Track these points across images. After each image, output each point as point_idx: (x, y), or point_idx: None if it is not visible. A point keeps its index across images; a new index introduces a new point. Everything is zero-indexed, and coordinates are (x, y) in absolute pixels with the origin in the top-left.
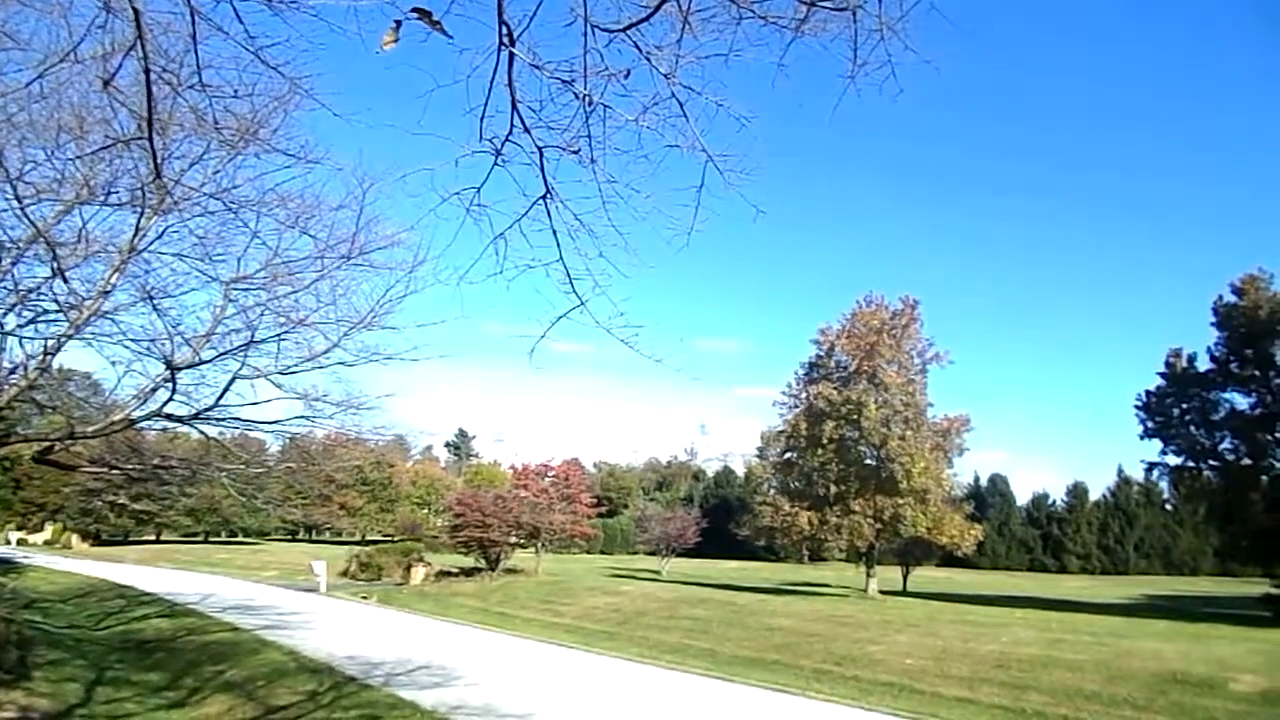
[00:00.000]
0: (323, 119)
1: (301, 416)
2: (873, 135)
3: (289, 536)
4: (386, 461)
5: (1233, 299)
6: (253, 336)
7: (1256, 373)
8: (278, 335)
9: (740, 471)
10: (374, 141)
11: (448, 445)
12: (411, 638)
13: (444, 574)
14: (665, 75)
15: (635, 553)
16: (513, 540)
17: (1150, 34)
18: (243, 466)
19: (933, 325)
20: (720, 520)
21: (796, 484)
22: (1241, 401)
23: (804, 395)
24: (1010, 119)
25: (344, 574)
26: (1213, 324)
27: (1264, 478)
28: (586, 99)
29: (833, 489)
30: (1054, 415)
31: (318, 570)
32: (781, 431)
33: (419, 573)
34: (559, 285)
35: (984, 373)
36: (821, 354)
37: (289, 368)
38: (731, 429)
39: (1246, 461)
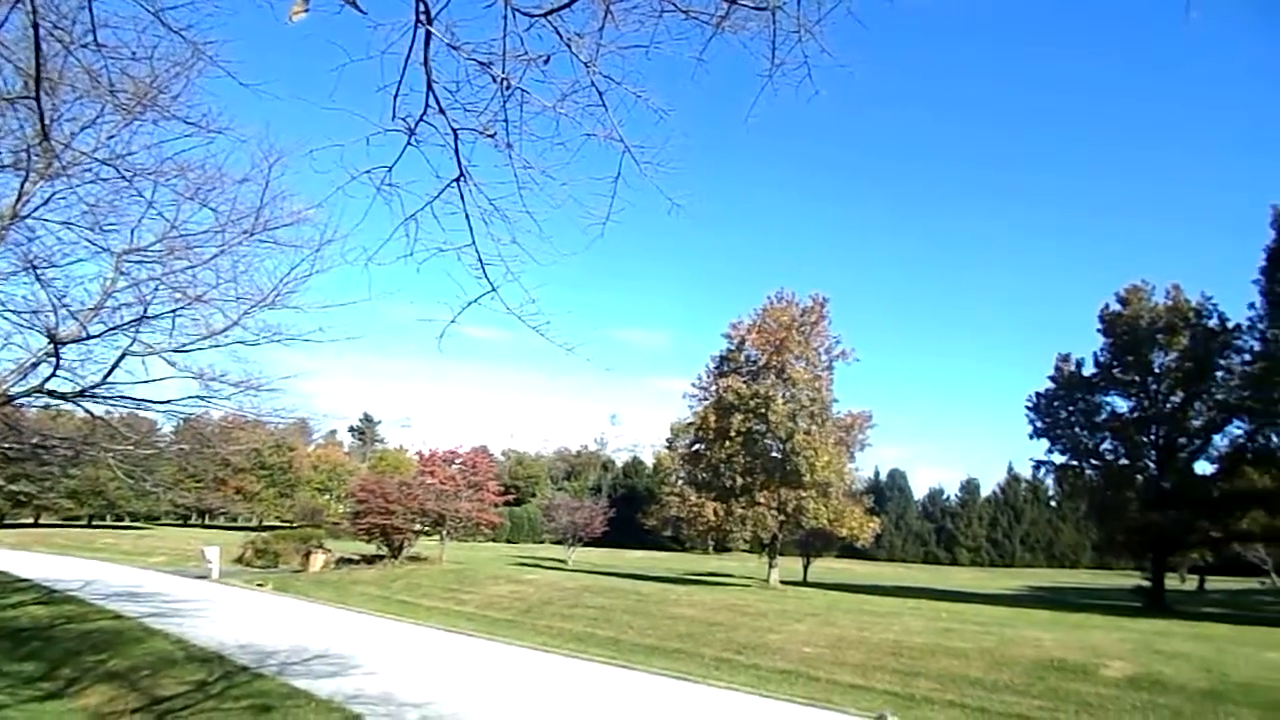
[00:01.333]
0: (228, 88)
1: (196, 396)
2: (790, 134)
3: (180, 521)
4: (287, 445)
5: (1118, 308)
6: (145, 311)
7: (1136, 378)
8: (173, 311)
9: (649, 462)
10: (282, 114)
11: (352, 430)
12: (309, 626)
13: (345, 561)
14: (585, 63)
15: (542, 542)
16: (417, 528)
17: (1057, 38)
18: (131, 448)
19: (841, 323)
20: (628, 510)
21: (704, 475)
22: (1122, 405)
23: (714, 388)
24: (921, 122)
25: (238, 561)
26: (1099, 331)
27: (1139, 477)
28: (504, 82)
29: (739, 481)
30: (956, 414)
31: (210, 556)
32: (691, 423)
33: (318, 560)
34: (471, 270)
35: (890, 371)
36: (732, 348)
37: (184, 345)
38: (643, 420)
39: (1124, 462)
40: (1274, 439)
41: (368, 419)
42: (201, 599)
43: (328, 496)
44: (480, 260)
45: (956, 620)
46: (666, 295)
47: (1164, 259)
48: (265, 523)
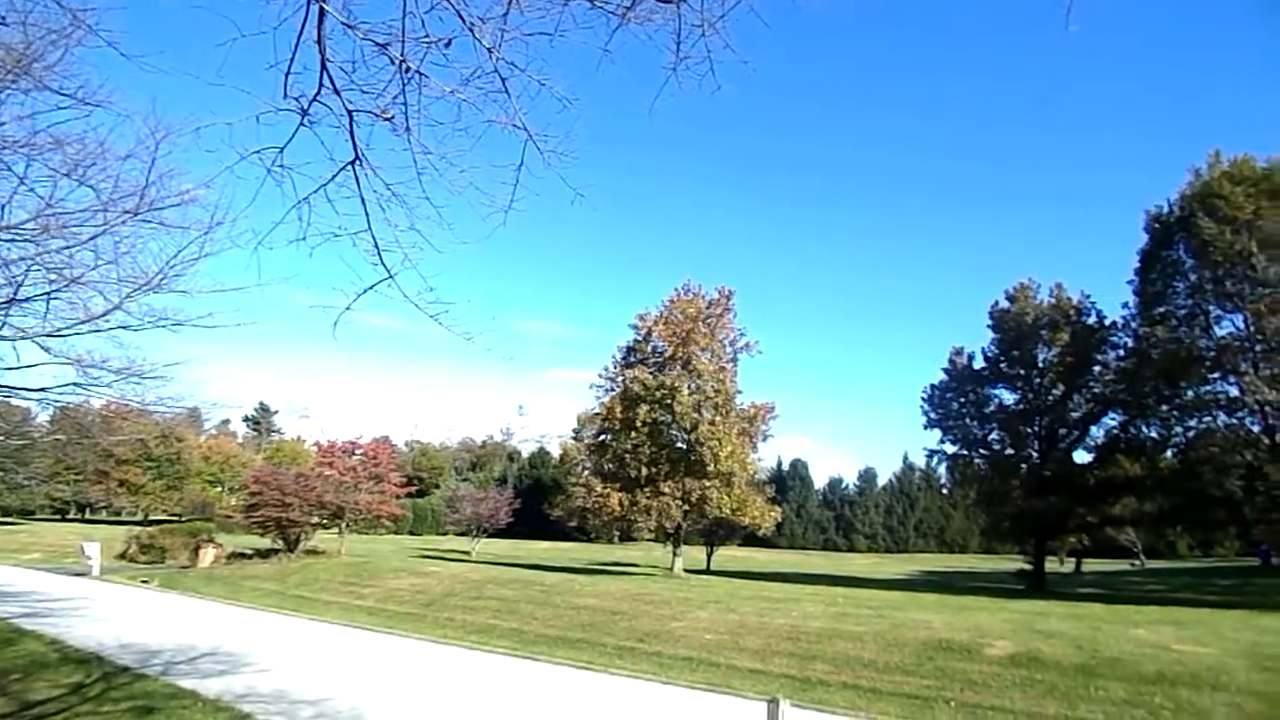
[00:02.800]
0: (110, 59)
1: (74, 384)
2: (695, 127)
3: (57, 516)
4: (175, 436)
5: (1006, 305)
6: (16, 293)
7: (1022, 372)
8: (47, 294)
9: (556, 453)
10: (169, 89)
11: (247, 420)
12: (197, 624)
13: (237, 556)
14: (488, 49)
15: (446, 533)
16: (315, 521)
17: (952, 41)
18: (2, 438)
19: (745, 315)
20: (534, 501)
21: (610, 466)
22: (1009, 397)
23: (620, 379)
24: (822, 117)
25: (122, 556)
26: (989, 327)
27: (1023, 466)
28: (403, 65)
29: (644, 471)
30: (856, 406)
31: (90, 552)
32: (597, 414)
33: (208, 554)
34: (367, 256)
35: (793, 364)
36: (639, 339)
37: (60, 330)
38: (549, 410)
39: (1010, 451)
40: (1144, 430)
41: (263, 409)
42: (80, 597)
43: (220, 489)
44: (377, 246)
45: (852, 605)
46: (573, 286)
47: (1053, 259)
48: (152, 517)
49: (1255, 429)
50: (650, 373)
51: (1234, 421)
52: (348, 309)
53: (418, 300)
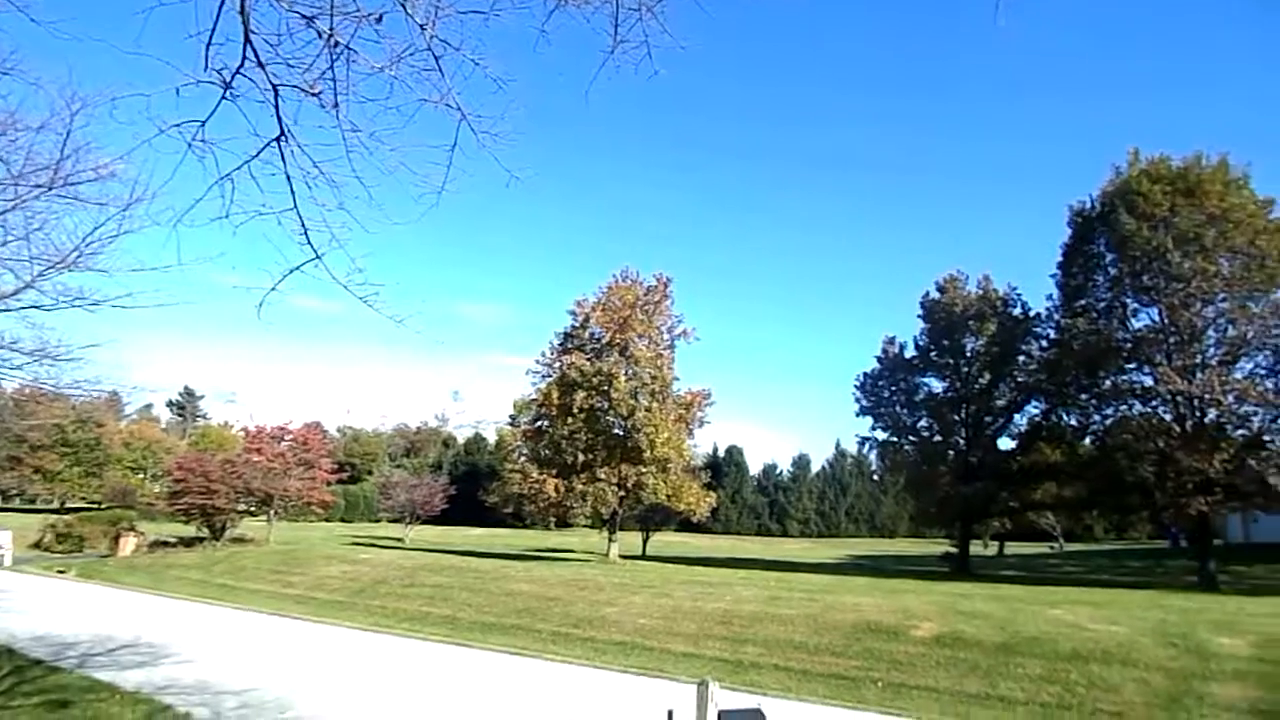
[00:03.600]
0: (19, 24)
1: None
2: (634, 111)
3: None
4: (94, 420)
5: (936, 295)
6: None
7: (950, 361)
8: None
9: (492, 439)
10: (85, 58)
11: (171, 405)
12: (117, 614)
13: (160, 544)
14: (421, 25)
15: (379, 520)
16: (241, 508)
17: (889, 36)
18: None
19: (684, 300)
20: (470, 487)
21: (546, 452)
22: (938, 385)
23: (558, 365)
24: (768, 107)
25: (36, 546)
26: (920, 316)
27: (951, 453)
28: (331, 39)
29: (581, 457)
30: (792, 393)
31: (2, 541)
32: (534, 400)
33: (129, 543)
34: (293, 236)
35: (730, 350)
36: (577, 325)
37: None
38: (486, 396)
39: (938, 438)
40: (1065, 418)
41: (189, 393)
42: None
43: (142, 476)
44: (303, 226)
45: (784, 589)
46: (510, 270)
47: (983, 250)
48: (69, 505)
49: (1167, 417)
50: (588, 359)
51: (1148, 410)
52: (273, 290)
53: (346, 282)
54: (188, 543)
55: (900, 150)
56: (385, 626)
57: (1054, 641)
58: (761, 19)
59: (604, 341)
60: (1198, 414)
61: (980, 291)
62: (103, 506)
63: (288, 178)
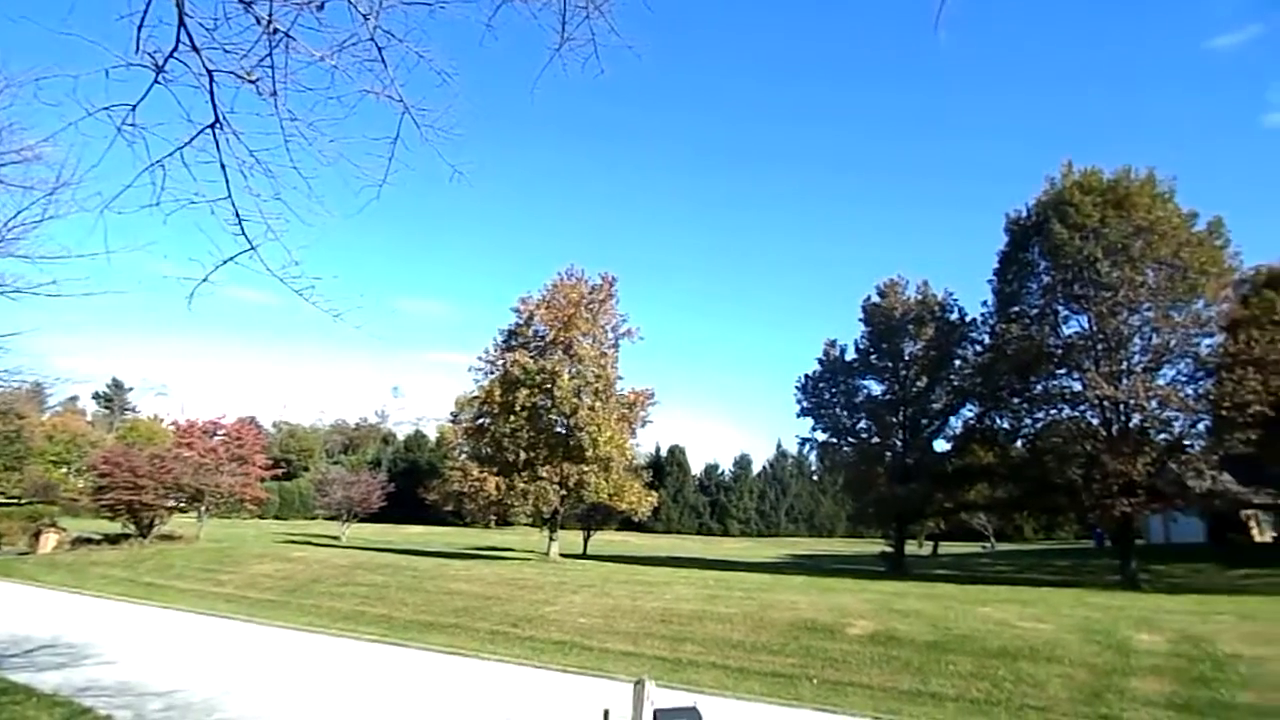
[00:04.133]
0: None
1: None
2: (581, 106)
3: None
4: (14, 412)
5: (877, 300)
6: None
7: (889, 364)
8: None
9: (433, 436)
10: (8, 36)
11: (97, 397)
12: (35, 613)
13: (83, 541)
14: (364, 15)
15: (315, 518)
16: (170, 504)
17: (828, 37)
18: None
19: (628, 299)
20: (409, 485)
21: (487, 449)
22: (877, 388)
23: (501, 362)
24: (710, 107)
25: None
26: (860, 320)
27: (888, 454)
28: (270, 25)
29: (522, 455)
30: (735, 393)
31: None
32: (476, 397)
33: (50, 540)
34: (227, 225)
35: (678, 348)
36: (521, 323)
37: None
38: (428, 393)
39: (876, 440)
40: (998, 421)
41: (117, 385)
42: None
43: (65, 470)
44: (238, 215)
45: (723, 588)
46: (453, 265)
47: (925, 255)
48: None
49: (1094, 421)
50: (531, 357)
51: (1076, 414)
52: (205, 281)
53: (282, 274)
54: (113, 540)
55: (852, 150)
56: (319, 626)
57: (984, 639)
58: (711, 15)
59: (548, 339)
60: (1123, 419)
61: (919, 296)
62: (22, 502)
63: (222, 166)
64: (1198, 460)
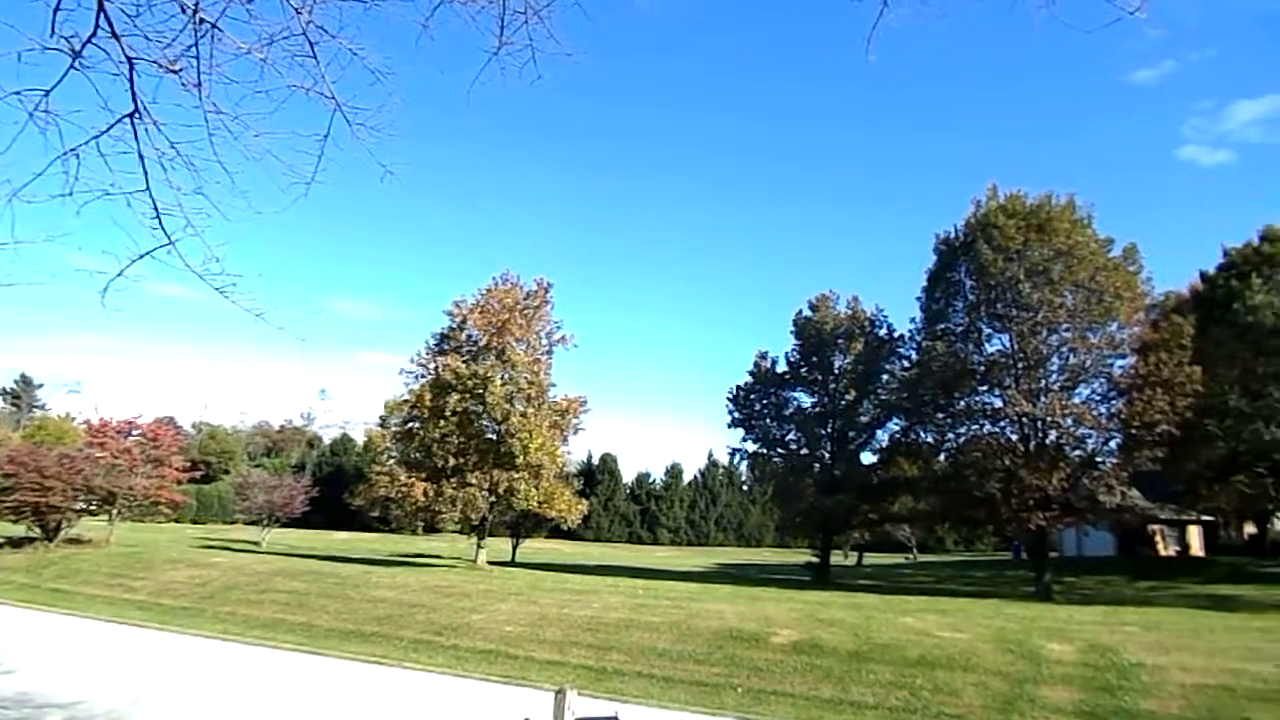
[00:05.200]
0: None
1: None
2: (519, 113)
3: None
4: None
5: (809, 314)
6: None
7: (819, 377)
8: None
9: (360, 440)
10: None
11: (4, 393)
12: None
13: None
14: (296, 10)
15: (234, 522)
16: (79, 506)
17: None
18: None
19: (563, 305)
20: (335, 490)
21: (416, 454)
22: (806, 400)
23: (432, 366)
24: (650, 114)
25: None
26: (792, 333)
27: (816, 465)
28: (196, 15)
29: (452, 461)
30: (667, 403)
31: None
32: (405, 401)
33: None
34: (144, 219)
35: (608, 359)
36: (454, 326)
37: None
38: (357, 395)
39: (805, 451)
40: (922, 435)
41: (25, 381)
42: None
43: None
44: (156, 209)
45: (651, 596)
46: (384, 266)
47: (861, 273)
48: None
49: (1013, 437)
50: (463, 361)
51: (996, 430)
52: (119, 275)
53: (202, 271)
54: (15, 543)
55: (792, 145)
56: (235, 634)
57: (903, 648)
58: (648, 28)
59: (481, 344)
60: (1040, 435)
61: (849, 312)
62: None
63: (141, 157)
64: (1109, 476)
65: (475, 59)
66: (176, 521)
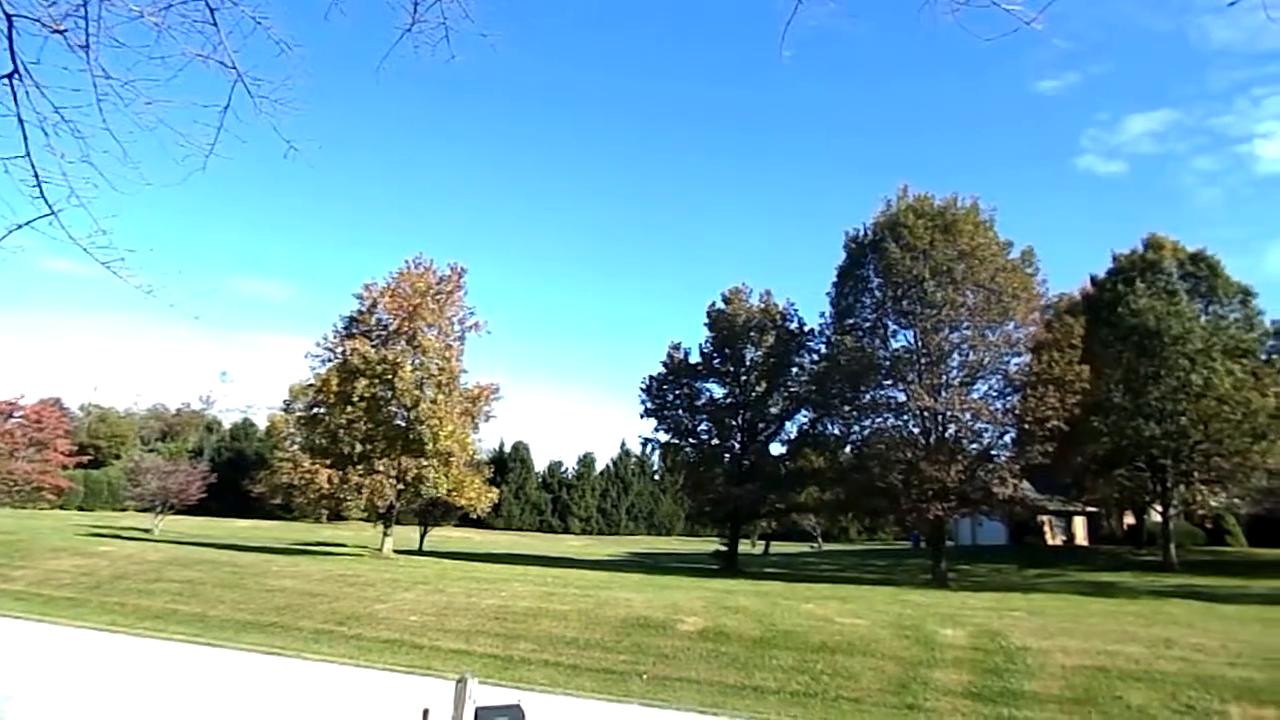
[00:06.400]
0: None
1: None
2: (431, 87)
3: None
4: None
5: (722, 306)
6: None
7: (731, 369)
8: None
9: (262, 425)
10: None
11: None
12: None
13: None
14: None
15: (125, 509)
16: None
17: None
18: None
19: (476, 294)
20: (234, 476)
21: (321, 440)
22: (718, 391)
23: (340, 350)
24: (571, 91)
25: None
26: (705, 325)
27: (727, 456)
28: None
29: (358, 447)
30: (581, 392)
31: None
32: (311, 385)
33: None
34: (23, 187)
35: (523, 346)
36: (363, 310)
37: None
38: (259, 378)
39: (716, 442)
40: (829, 427)
41: None
42: None
43: None
44: (36, 176)
45: (560, 585)
46: (292, 245)
47: (772, 267)
48: None
49: (915, 430)
50: (373, 346)
51: (899, 423)
52: None
53: (87, 243)
54: None
55: (699, 156)
56: (124, 626)
57: (805, 634)
58: (569, 20)
59: (391, 329)
60: (940, 429)
61: (762, 305)
62: None
63: (20, 120)
64: (1003, 469)
65: (389, 35)
66: (62, 508)
